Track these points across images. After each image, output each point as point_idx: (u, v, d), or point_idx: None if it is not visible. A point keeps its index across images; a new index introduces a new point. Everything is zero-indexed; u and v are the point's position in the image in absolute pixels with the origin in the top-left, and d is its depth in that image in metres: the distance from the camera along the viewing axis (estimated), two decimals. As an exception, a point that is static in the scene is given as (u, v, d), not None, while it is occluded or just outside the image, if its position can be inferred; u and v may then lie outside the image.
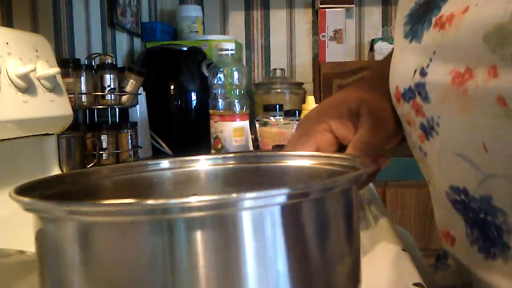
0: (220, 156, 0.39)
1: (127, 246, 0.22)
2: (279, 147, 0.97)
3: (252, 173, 0.38)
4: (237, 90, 1.03)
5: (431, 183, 0.42)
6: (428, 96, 0.36)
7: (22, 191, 0.26)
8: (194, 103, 1.31)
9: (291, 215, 0.23)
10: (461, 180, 0.36)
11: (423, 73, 0.36)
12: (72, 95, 0.96)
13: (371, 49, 1.76)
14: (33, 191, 0.28)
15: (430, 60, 0.35)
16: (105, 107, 1.04)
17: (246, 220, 0.22)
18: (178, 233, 0.21)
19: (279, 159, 0.37)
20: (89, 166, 0.97)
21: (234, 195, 0.21)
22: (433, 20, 0.35)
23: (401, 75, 0.40)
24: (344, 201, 0.27)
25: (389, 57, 0.46)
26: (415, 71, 0.37)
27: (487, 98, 0.31)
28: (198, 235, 0.21)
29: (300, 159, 0.37)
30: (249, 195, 0.22)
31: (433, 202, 0.44)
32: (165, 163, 0.38)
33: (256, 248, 0.22)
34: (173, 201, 0.21)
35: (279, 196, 0.23)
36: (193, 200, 0.21)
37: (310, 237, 0.24)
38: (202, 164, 0.38)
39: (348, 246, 0.27)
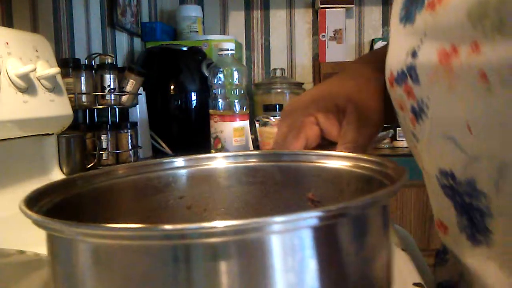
0: (241, 153, 0.38)
1: (139, 272, 0.20)
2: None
3: (272, 172, 0.37)
4: (237, 90, 1.03)
5: (424, 169, 0.42)
6: (419, 78, 0.36)
7: (31, 200, 0.25)
8: (194, 103, 1.31)
9: (325, 237, 0.21)
10: (449, 163, 0.36)
11: (414, 55, 0.37)
12: (72, 95, 0.96)
13: (371, 49, 1.76)
14: (43, 198, 0.27)
15: (421, 41, 0.36)
16: (105, 107, 1.04)
17: (276, 245, 0.20)
18: (196, 261, 0.19)
19: (302, 159, 0.36)
20: (89, 166, 0.97)
21: (261, 219, 0.19)
22: (426, 1, 0.35)
23: (394, 59, 0.41)
24: (382, 215, 0.24)
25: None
26: (407, 54, 0.38)
27: (470, 74, 0.31)
28: (220, 263, 0.19)
29: (325, 159, 0.35)
30: (279, 219, 0.19)
31: (428, 191, 0.44)
32: (180, 161, 0.36)
33: (287, 277, 0.20)
34: (191, 226, 0.19)
35: (314, 218, 0.20)
36: (216, 225, 0.18)
37: (346, 258, 0.22)
38: (220, 162, 0.37)
39: (385, 261, 0.25)
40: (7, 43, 0.74)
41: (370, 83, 0.49)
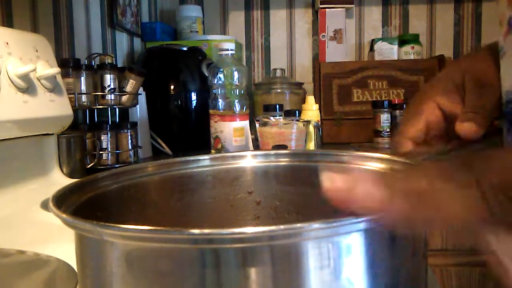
0: (272, 152, 0.37)
1: (166, 275, 0.20)
2: (279, 147, 0.97)
3: (305, 172, 0.36)
4: (237, 90, 1.03)
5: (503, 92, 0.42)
6: None
7: (59, 199, 0.25)
8: (194, 103, 1.31)
9: (366, 243, 0.20)
10: None
11: None
12: (72, 95, 0.96)
13: (371, 49, 1.75)
14: (70, 196, 0.27)
15: None
16: (105, 107, 1.04)
17: (312, 252, 0.19)
18: (225, 266, 0.19)
19: (335, 159, 0.35)
20: (89, 166, 0.97)
21: (300, 225, 0.18)
22: None
23: None
24: None
25: None
26: None
27: None
28: (249, 269, 0.18)
29: (360, 160, 0.34)
30: (315, 225, 0.18)
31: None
32: (207, 160, 0.36)
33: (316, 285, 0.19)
34: (223, 231, 0.18)
35: (357, 224, 0.19)
36: (246, 231, 0.18)
37: (382, 265, 0.21)
38: (249, 160, 0.36)
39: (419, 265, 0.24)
40: (7, 43, 0.74)
41: (485, 55, 0.48)
